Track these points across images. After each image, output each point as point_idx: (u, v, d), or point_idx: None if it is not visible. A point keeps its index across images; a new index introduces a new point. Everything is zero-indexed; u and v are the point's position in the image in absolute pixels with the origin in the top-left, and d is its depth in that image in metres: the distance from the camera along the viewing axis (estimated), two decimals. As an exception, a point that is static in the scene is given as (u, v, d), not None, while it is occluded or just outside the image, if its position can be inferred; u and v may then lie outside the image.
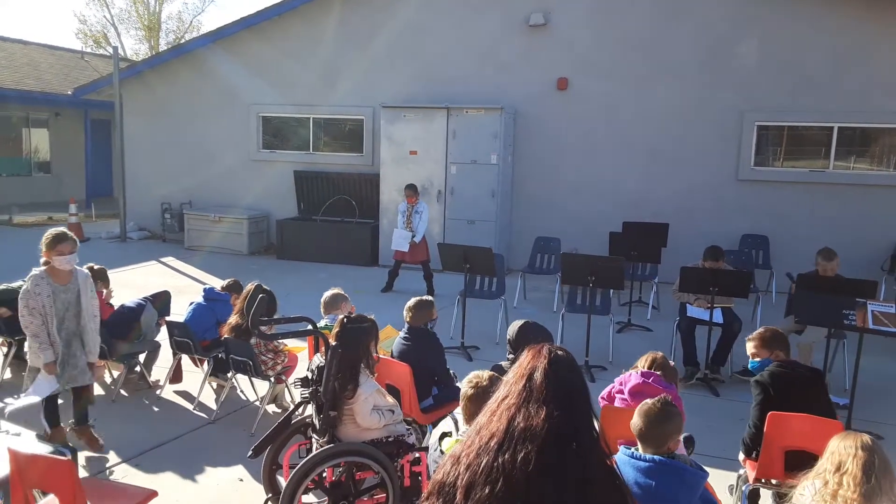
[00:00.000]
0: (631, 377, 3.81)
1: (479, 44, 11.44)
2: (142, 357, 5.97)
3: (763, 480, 3.81)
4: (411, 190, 9.65)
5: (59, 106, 18.69)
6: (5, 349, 6.14)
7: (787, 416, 3.62)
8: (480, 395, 2.91)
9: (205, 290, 6.11)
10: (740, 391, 6.12)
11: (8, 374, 6.06)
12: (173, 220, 13.45)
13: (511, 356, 4.02)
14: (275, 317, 5.13)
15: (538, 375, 1.68)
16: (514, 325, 4.06)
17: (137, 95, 13.94)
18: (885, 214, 9.84)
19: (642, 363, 3.89)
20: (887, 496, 2.52)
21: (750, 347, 4.25)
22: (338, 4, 12.15)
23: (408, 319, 4.84)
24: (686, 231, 9.99)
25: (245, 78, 12.96)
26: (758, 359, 4.19)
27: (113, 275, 6.18)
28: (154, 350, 6.02)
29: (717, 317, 6.44)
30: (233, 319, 5.37)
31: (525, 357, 1.75)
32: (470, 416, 2.97)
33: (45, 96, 17.78)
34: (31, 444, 3.14)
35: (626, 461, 2.68)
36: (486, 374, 3.18)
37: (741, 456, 4.09)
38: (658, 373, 3.78)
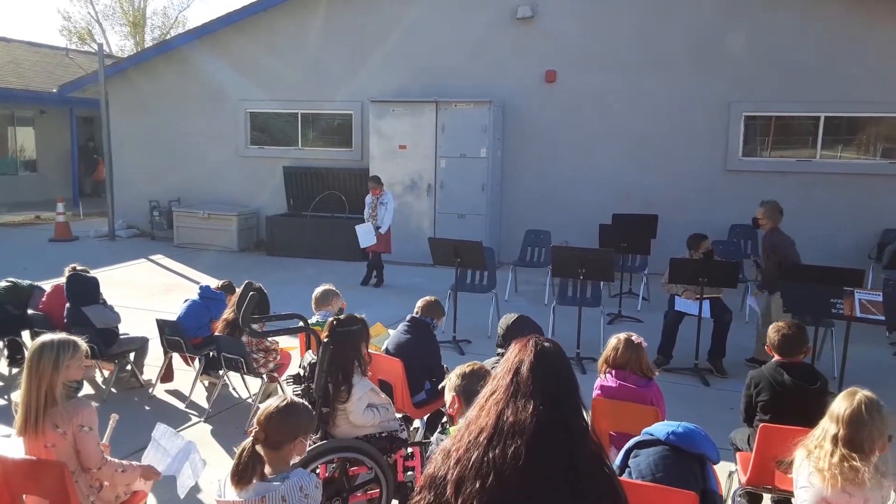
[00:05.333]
0: (608, 379, 3.83)
1: (467, 37, 11.42)
2: (132, 355, 5.94)
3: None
4: (375, 181, 9.71)
5: (44, 104, 18.52)
6: None
7: (779, 429, 3.50)
8: (469, 377, 2.88)
9: (201, 287, 6.08)
10: (731, 381, 6.17)
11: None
12: (162, 218, 13.38)
13: (501, 351, 4.02)
14: (266, 314, 5.11)
15: (524, 369, 1.69)
16: (506, 320, 4.06)
17: (124, 92, 13.83)
18: (872, 203, 9.91)
19: (608, 360, 3.84)
20: (877, 442, 2.70)
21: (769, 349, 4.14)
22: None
23: (417, 311, 4.84)
24: (675, 222, 10.03)
25: (232, 74, 12.88)
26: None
27: (102, 273, 6.14)
28: (143, 346, 5.99)
29: (705, 311, 6.45)
30: (228, 314, 5.36)
31: (512, 351, 1.76)
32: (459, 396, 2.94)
33: (29, 94, 17.61)
34: (19, 447, 3.08)
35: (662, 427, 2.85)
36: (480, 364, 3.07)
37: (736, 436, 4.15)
38: (626, 370, 3.77)
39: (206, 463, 3.39)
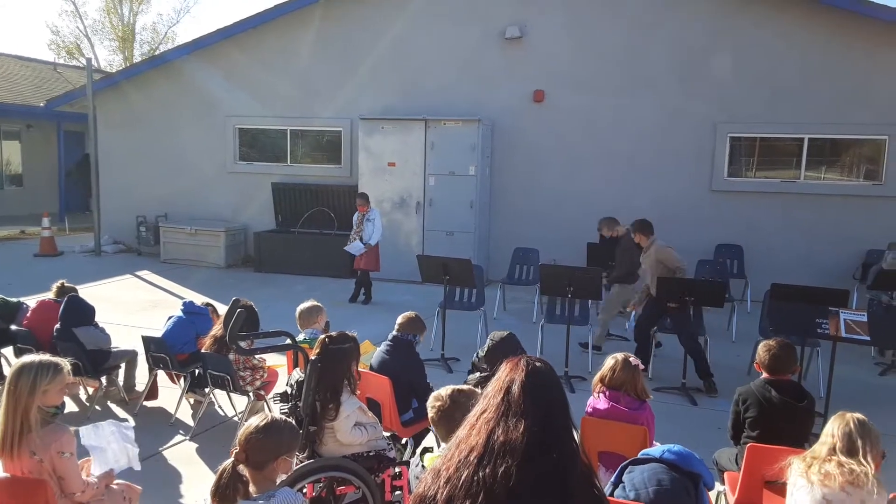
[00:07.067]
0: (600, 400, 3.82)
1: (457, 56, 11.52)
2: (121, 373, 5.89)
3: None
4: (362, 199, 9.74)
5: (31, 118, 18.43)
6: None
7: (767, 448, 3.50)
8: (447, 415, 2.84)
9: (184, 303, 6.05)
10: (718, 400, 6.19)
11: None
12: (149, 233, 13.30)
13: (481, 371, 4.02)
14: (255, 332, 5.07)
15: (516, 388, 1.68)
16: (493, 337, 4.05)
17: (112, 107, 13.80)
18: (856, 223, 10.04)
19: (603, 379, 3.84)
20: (871, 452, 2.84)
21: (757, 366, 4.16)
22: (316, 17, 12.17)
23: (396, 328, 4.79)
24: (662, 241, 10.09)
25: (222, 89, 12.91)
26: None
27: (87, 289, 6.09)
28: (132, 359, 5.94)
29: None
30: (216, 331, 5.31)
31: (503, 370, 1.76)
32: (444, 437, 2.89)
33: (17, 108, 17.53)
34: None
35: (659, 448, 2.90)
36: (446, 391, 3.00)
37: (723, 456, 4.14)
38: (621, 391, 3.77)
39: (132, 424, 3.50)
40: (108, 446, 3.32)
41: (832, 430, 2.96)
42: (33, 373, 2.95)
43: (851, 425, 2.91)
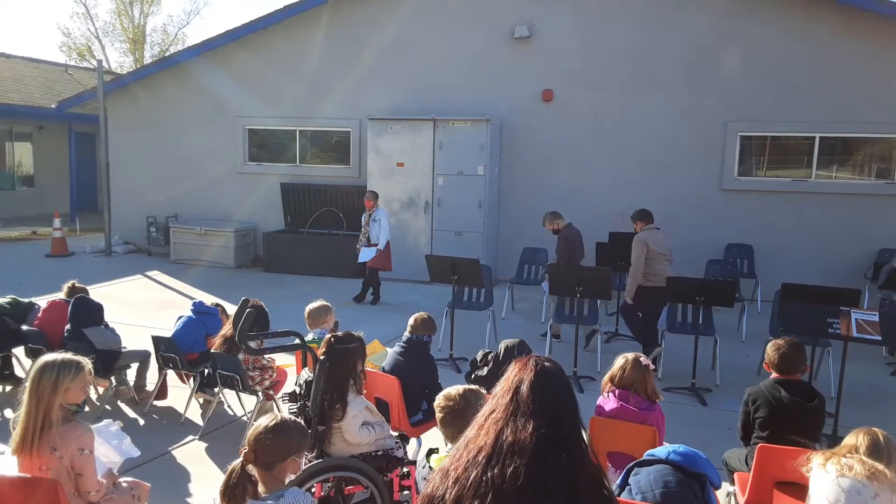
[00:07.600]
0: (610, 400, 3.80)
1: (465, 56, 11.51)
2: (131, 374, 5.92)
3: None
4: (370, 195, 9.66)
5: (42, 120, 18.58)
6: None
7: (777, 449, 3.47)
8: (459, 414, 2.81)
9: (194, 303, 6.07)
10: (728, 400, 6.15)
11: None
12: (159, 234, 13.37)
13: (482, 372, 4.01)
14: (266, 331, 5.08)
15: (524, 388, 1.68)
16: (504, 344, 4.05)
17: (122, 108, 13.88)
18: (867, 222, 9.96)
19: (613, 379, 3.81)
20: (891, 466, 2.85)
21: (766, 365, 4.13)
22: (325, 17, 12.20)
23: (409, 330, 4.78)
24: (671, 240, 10.06)
25: (231, 90, 12.95)
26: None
27: (98, 289, 6.13)
28: (145, 360, 5.97)
29: None
30: (226, 331, 5.33)
31: (512, 370, 1.75)
32: (453, 437, 2.87)
33: (28, 110, 17.68)
34: (11, 465, 3.03)
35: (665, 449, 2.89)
36: (457, 391, 2.95)
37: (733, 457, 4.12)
38: (631, 391, 3.75)
39: (110, 420, 3.62)
40: (95, 452, 3.33)
41: (857, 435, 2.98)
42: (56, 371, 2.97)
43: (880, 436, 2.95)
